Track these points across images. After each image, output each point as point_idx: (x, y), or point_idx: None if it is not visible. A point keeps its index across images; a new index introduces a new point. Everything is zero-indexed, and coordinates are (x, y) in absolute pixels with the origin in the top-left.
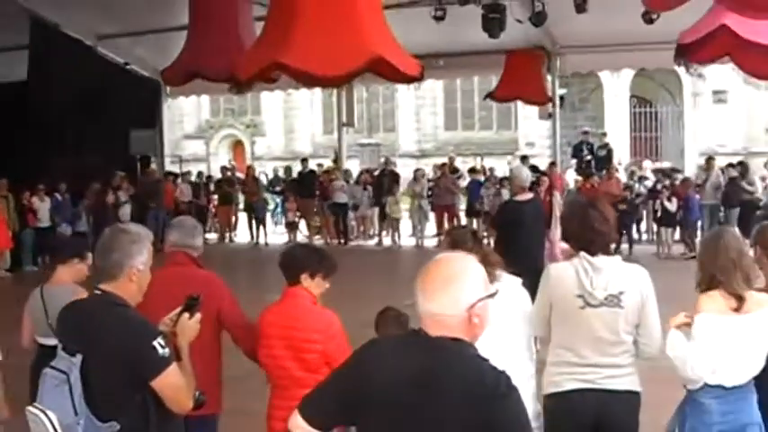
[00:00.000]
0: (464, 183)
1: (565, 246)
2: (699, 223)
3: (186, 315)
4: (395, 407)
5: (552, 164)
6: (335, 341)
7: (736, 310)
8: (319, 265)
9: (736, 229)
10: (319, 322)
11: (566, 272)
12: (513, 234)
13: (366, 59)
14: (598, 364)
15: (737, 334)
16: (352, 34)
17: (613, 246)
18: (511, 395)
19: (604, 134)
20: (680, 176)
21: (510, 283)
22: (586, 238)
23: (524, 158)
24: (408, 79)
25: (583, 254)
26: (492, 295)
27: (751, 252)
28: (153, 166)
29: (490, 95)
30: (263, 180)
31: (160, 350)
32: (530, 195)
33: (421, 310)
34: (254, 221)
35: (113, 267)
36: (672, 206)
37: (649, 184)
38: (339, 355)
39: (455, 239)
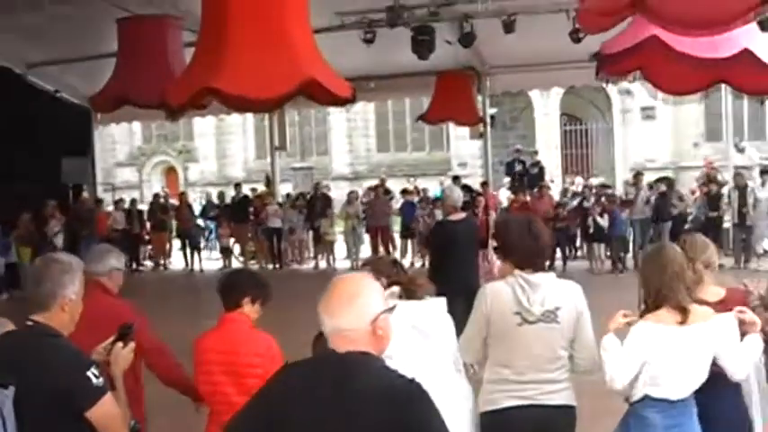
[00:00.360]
0: (397, 204)
1: (500, 264)
2: (630, 238)
3: (120, 344)
4: (312, 426)
5: (484, 183)
6: (276, 364)
7: (681, 322)
8: (259, 291)
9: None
10: (260, 346)
11: (502, 290)
12: (447, 254)
13: (299, 82)
14: (535, 380)
15: (682, 346)
16: (284, 57)
17: (547, 263)
18: (423, 399)
19: (536, 152)
20: (610, 192)
21: (434, 305)
22: (524, 255)
23: (456, 178)
24: (341, 101)
25: (518, 272)
26: (391, 309)
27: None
28: (85, 194)
29: (422, 118)
30: (196, 206)
31: (94, 380)
32: (463, 215)
33: (327, 330)
34: (187, 248)
35: (45, 298)
36: (604, 222)
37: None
38: None
39: (378, 269)
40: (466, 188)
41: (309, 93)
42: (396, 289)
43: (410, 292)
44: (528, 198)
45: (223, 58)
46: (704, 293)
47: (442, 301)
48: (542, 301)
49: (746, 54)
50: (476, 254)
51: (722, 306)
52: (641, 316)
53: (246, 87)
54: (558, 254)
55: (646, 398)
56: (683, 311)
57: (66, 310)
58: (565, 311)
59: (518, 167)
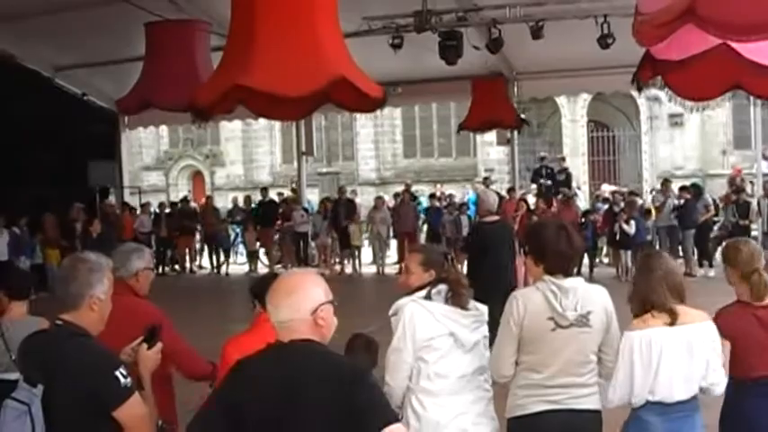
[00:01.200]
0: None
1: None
2: (656, 245)
3: (146, 345)
4: (265, 412)
5: (511, 189)
6: None
7: (670, 323)
8: None
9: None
10: None
11: (533, 296)
12: (483, 256)
13: (329, 79)
14: (566, 384)
15: (673, 347)
16: (314, 56)
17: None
18: (367, 379)
19: (563, 159)
20: (639, 200)
21: (479, 312)
22: (557, 260)
23: (486, 180)
24: (371, 103)
25: (548, 277)
26: (332, 301)
27: (702, 271)
28: (112, 198)
29: (463, 126)
30: (223, 210)
31: (122, 380)
32: (496, 217)
33: (273, 322)
34: (214, 252)
35: (74, 297)
36: (630, 229)
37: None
38: None
39: (429, 258)
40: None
41: (339, 97)
42: (442, 287)
43: (456, 293)
44: (554, 206)
45: (252, 56)
46: (746, 296)
47: (485, 308)
48: (575, 305)
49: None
50: (512, 255)
51: (765, 311)
52: (633, 320)
53: (276, 84)
54: (585, 260)
55: (646, 402)
56: (671, 313)
57: (96, 309)
58: (596, 315)
59: (544, 177)
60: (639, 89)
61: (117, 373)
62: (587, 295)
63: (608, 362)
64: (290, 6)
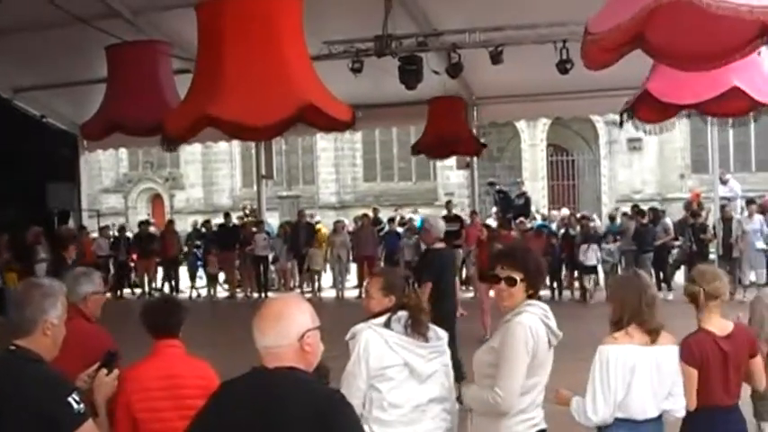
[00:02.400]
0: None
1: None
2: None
3: (104, 371)
4: None
5: (473, 212)
6: (215, 383)
7: (650, 342)
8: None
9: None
10: (200, 369)
11: (537, 321)
12: (437, 281)
13: (297, 107)
14: (539, 403)
15: (645, 365)
16: (281, 83)
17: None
18: (345, 409)
19: (521, 182)
20: (592, 224)
21: (439, 341)
22: (539, 283)
23: (449, 204)
24: (341, 125)
25: (534, 301)
26: (318, 327)
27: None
28: (71, 220)
29: (417, 147)
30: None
31: (75, 405)
32: (443, 245)
33: (259, 347)
34: (173, 276)
35: (27, 322)
36: (590, 259)
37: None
38: None
39: (389, 283)
40: (456, 218)
41: (310, 119)
42: (402, 314)
43: (415, 321)
44: (513, 232)
45: (220, 85)
46: (711, 325)
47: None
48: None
49: (735, 90)
50: (455, 282)
51: (728, 341)
52: (609, 335)
53: (244, 114)
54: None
55: (614, 420)
56: (652, 333)
57: (49, 334)
58: None
59: (496, 203)
60: (621, 124)
61: (70, 399)
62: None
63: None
64: (257, 34)
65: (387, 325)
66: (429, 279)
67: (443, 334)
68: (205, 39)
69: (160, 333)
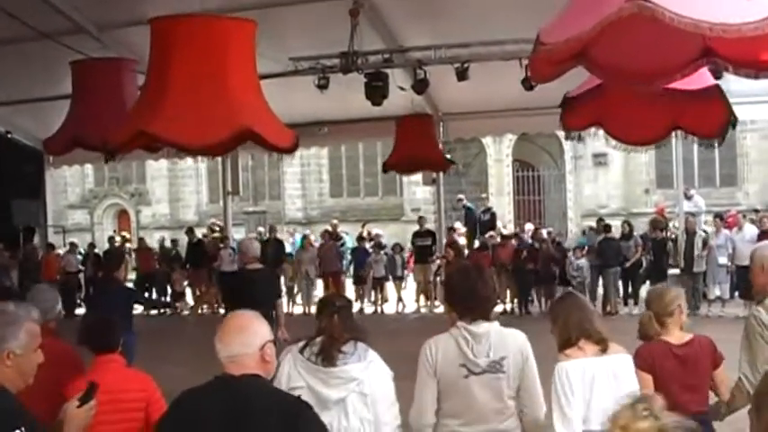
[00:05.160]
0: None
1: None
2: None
3: (75, 402)
4: None
5: (451, 228)
6: (157, 395)
7: (600, 353)
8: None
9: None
10: (141, 381)
11: (446, 343)
12: (243, 303)
13: (233, 131)
14: (484, 431)
15: (603, 375)
16: (222, 105)
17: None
18: (310, 414)
19: (486, 198)
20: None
21: (350, 368)
22: (466, 305)
23: (421, 219)
24: (283, 151)
25: (460, 323)
26: (274, 341)
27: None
28: (36, 238)
29: (386, 165)
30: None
31: None
32: (260, 265)
33: (222, 357)
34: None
35: None
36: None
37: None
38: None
39: (319, 307)
40: (429, 233)
41: (252, 141)
42: (318, 341)
43: (323, 349)
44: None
45: (161, 102)
46: (667, 336)
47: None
48: (487, 351)
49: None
50: (272, 305)
51: (684, 348)
52: (560, 353)
53: (180, 134)
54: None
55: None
56: (601, 342)
57: (9, 364)
58: (510, 360)
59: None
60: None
61: None
62: (501, 340)
63: (523, 406)
64: (204, 54)
65: (302, 350)
66: (233, 301)
67: (367, 358)
68: (155, 54)
69: (101, 349)
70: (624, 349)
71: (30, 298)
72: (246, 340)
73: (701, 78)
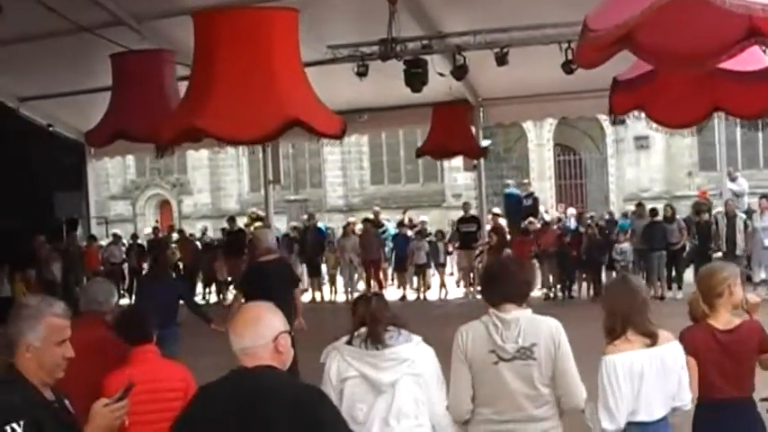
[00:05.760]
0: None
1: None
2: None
3: (104, 401)
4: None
5: (496, 214)
6: (194, 384)
7: (650, 345)
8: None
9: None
10: (178, 371)
11: (477, 329)
12: (261, 295)
13: (281, 121)
14: (515, 419)
15: (651, 367)
16: (269, 97)
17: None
18: (325, 398)
19: (528, 183)
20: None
21: (399, 349)
22: (497, 293)
23: (466, 204)
24: (330, 138)
25: (492, 310)
26: (289, 331)
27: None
28: (79, 229)
29: (420, 151)
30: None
31: None
32: (274, 256)
33: (236, 349)
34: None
35: (10, 343)
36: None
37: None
38: None
39: (354, 304)
40: (474, 219)
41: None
42: (363, 330)
43: (371, 333)
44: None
45: (208, 96)
46: (714, 320)
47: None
48: (516, 338)
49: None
50: (289, 294)
51: (728, 335)
52: (608, 344)
53: (229, 127)
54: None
55: (627, 423)
56: (651, 336)
57: (30, 357)
58: (542, 347)
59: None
60: (614, 122)
61: (8, 428)
62: (532, 327)
63: (561, 395)
64: (249, 46)
65: (349, 343)
66: (248, 293)
67: (414, 340)
68: (199, 48)
69: (136, 340)
70: (673, 336)
71: (84, 291)
72: (259, 332)
73: (750, 59)
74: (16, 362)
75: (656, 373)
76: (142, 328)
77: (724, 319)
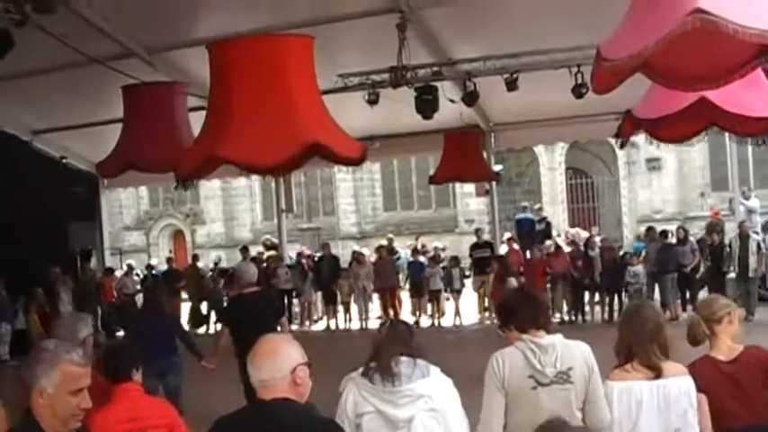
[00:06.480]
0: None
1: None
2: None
3: None
4: None
5: (510, 239)
6: (179, 420)
7: (654, 377)
8: (141, 360)
9: (656, 302)
10: (162, 408)
11: (513, 356)
12: (247, 327)
13: (302, 147)
14: None
15: (651, 400)
16: (289, 122)
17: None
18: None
19: (540, 208)
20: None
21: (417, 384)
22: (525, 318)
23: (478, 231)
24: (351, 162)
25: (526, 336)
26: (308, 363)
27: (685, 315)
28: (94, 261)
29: (432, 179)
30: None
31: None
32: (255, 288)
33: (254, 381)
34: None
35: (26, 385)
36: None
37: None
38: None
39: (375, 336)
40: (487, 244)
41: (320, 154)
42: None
43: (383, 368)
44: (528, 255)
45: (227, 125)
46: (715, 350)
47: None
48: (554, 362)
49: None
50: (275, 325)
51: (732, 365)
52: (613, 369)
53: (250, 155)
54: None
55: None
56: (654, 368)
57: (43, 403)
58: (578, 371)
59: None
60: (622, 145)
61: None
62: (567, 351)
63: (587, 418)
64: (266, 74)
65: (365, 374)
66: (232, 327)
67: (431, 373)
68: (216, 78)
69: (118, 377)
70: (682, 369)
71: (55, 327)
72: (276, 365)
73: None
74: (31, 407)
75: (656, 406)
76: (125, 366)
77: (725, 348)
